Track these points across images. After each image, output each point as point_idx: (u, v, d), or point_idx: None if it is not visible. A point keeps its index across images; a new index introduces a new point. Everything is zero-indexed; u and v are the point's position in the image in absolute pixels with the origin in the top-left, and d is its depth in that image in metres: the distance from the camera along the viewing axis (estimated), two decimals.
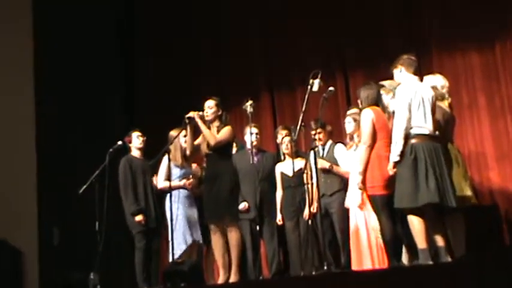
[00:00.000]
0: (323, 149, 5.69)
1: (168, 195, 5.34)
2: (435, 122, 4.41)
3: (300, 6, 7.21)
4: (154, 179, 5.72)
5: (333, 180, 5.53)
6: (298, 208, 5.55)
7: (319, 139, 5.58)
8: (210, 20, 7.97)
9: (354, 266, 4.95)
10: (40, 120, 7.23)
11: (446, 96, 4.87)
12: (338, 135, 6.10)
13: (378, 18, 6.72)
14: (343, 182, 5.47)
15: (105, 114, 7.90)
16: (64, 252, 6.98)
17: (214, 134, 5.22)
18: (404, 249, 4.60)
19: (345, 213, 5.28)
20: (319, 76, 4.84)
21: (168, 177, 5.42)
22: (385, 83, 4.83)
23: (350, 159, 5.32)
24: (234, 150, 5.80)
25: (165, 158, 5.48)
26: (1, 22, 7.24)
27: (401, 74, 4.52)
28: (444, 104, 4.80)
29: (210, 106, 5.32)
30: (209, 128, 5.31)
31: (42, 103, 7.26)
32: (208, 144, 5.23)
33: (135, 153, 5.85)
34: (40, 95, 7.28)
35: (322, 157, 5.58)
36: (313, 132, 5.47)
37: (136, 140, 5.84)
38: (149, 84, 8.34)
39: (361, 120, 4.63)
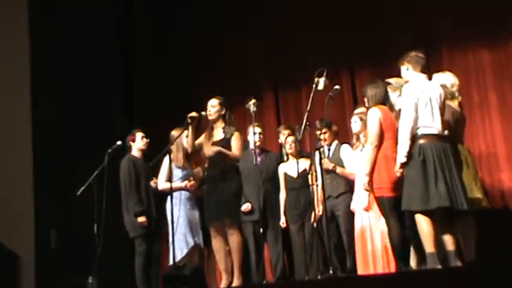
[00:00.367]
0: (328, 150, 5.69)
1: (169, 197, 5.32)
2: (444, 122, 4.40)
3: (305, 4, 7.21)
4: (152, 181, 5.72)
5: (339, 181, 5.53)
6: (303, 211, 5.55)
7: (325, 139, 5.57)
8: (211, 18, 7.97)
9: (360, 270, 4.95)
10: (37, 120, 7.24)
11: (456, 95, 4.86)
12: (344, 136, 6.09)
13: (385, 14, 6.71)
14: (350, 184, 5.47)
15: (105, 114, 7.92)
16: (62, 256, 6.98)
17: (234, 151, 5.20)
18: (412, 253, 4.59)
19: (351, 215, 5.28)
20: (324, 74, 4.83)
21: (169, 179, 5.42)
22: (392, 80, 4.82)
23: (356, 160, 5.32)
24: None
25: (166, 159, 5.49)
26: None
27: (408, 72, 4.52)
28: (454, 103, 4.78)
29: (213, 105, 5.32)
30: (212, 128, 5.31)
31: (39, 103, 7.27)
32: (210, 146, 5.23)
33: (136, 153, 5.85)
34: (37, 95, 7.29)
35: (327, 157, 5.59)
36: (318, 132, 5.47)
37: (140, 141, 5.84)
38: (149, 84, 8.35)
39: (367, 120, 4.62)
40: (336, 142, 5.74)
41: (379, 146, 4.51)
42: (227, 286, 5.27)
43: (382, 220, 4.67)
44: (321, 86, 4.85)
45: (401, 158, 4.30)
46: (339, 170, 5.51)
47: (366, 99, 4.75)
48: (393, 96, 4.74)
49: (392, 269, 4.63)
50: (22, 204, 7.04)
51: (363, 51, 6.82)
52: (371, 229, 4.93)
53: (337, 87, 4.94)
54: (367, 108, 4.71)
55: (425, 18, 6.46)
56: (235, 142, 5.21)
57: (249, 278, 5.58)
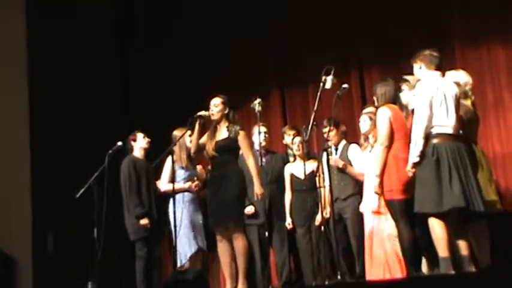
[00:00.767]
0: (336, 150, 5.69)
1: (172, 198, 5.32)
2: (459, 121, 4.38)
3: (313, 1, 7.21)
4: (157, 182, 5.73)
5: (347, 183, 5.53)
6: (310, 213, 5.55)
7: (332, 137, 5.56)
8: (213, 16, 7.97)
9: (368, 276, 4.94)
10: (35, 121, 7.26)
11: (470, 94, 4.83)
12: (352, 136, 6.09)
13: (395, 11, 6.70)
14: (358, 186, 5.47)
15: (104, 115, 7.93)
16: (60, 260, 6.99)
17: (253, 166, 5.17)
18: (423, 258, 4.58)
19: (360, 218, 5.28)
20: (332, 72, 4.83)
21: (172, 180, 5.39)
22: (409, 77, 4.79)
23: (365, 161, 5.32)
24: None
25: (169, 159, 5.49)
26: None
27: (421, 70, 4.50)
28: (467, 103, 4.76)
29: (215, 104, 5.31)
30: (216, 128, 5.30)
31: (37, 104, 7.29)
32: (214, 146, 5.23)
33: (138, 153, 5.82)
34: (35, 95, 7.31)
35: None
36: (325, 130, 5.46)
37: (141, 140, 5.82)
38: (149, 84, 8.36)
39: (377, 119, 4.60)
40: (343, 142, 5.74)
41: (389, 147, 4.50)
42: None
43: (391, 223, 4.66)
44: (328, 85, 4.85)
45: (413, 157, 4.28)
46: (348, 169, 5.51)
47: (375, 98, 4.73)
48: (409, 94, 4.70)
49: (403, 274, 4.62)
50: (19, 207, 7.04)
51: (372, 49, 6.82)
52: (381, 233, 4.93)
53: (345, 85, 4.93)
54: (377, 108, 4.70)
55: (437, 14, 6.45)
56: (243, 142, 5.20)
57: (254, 284, 5.58)
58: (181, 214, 5.37)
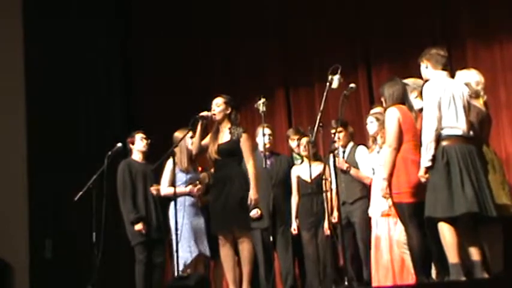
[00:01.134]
0: (343, 152, 5.69)
1: (173, 202, 5.33)
2: (469, 122, 4.38)
3: None
4: (153, 188, 5.67)
5: (354, 186, 5.53)
6: (317, 217, 5.56)
7: (339, 139, 5.56)
8: (216, 14, 7.98)
9: (375, 282, 4.94)
10: (32, 123, 7.30)
11: (482, 93, 4.83)
12: (360, 137, 6.09)
13: (404, 8, 6.68)
14: (366, 189, 5.47)
15: (103, 116, 7.97)
16: (58, 266, 7.01)
17: (251, 170, 5.18)
18: (433, 264, 4.58)
19: (368, 223, 5.28)
20: (339, 71, 4.82)
21: (173, 183, 5.38)
22: (409, 81, 4.80)
23: (373, 163, 5.32)
24: None
25: (170, 162, 5.49)
26: None
27: (428, 70, 4.50)
28: (479, 103, 4.75)
29: (218, 104, 5.31)
30: (218, 129, 5.31)
31: (34, 105, 7.33)
32: (216, 150, 5.23)
33: (137, 156, 5.85)
34: (32, 96, 7.35)
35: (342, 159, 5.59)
36: (333, 131, 5.47)
37: (139, 143, 5.83)
38: (150, 83, 8.38)
39: (385, 120, 4.60)
40: (351, 144, 5.74)
41: (397, 149, 4.48)
42: None
43: (399, 228, 4.66)
44: (335, 84, 4.84)
45: (425, 161, 4.26)
46: (353, 171, 5.52)
47: (383, 99, 4.73)
48: (411, 97, 4.73)
49: (412, 280, 4.62)
50: (15, 211, 7.06)
51: (380, 47, 6.80)
52: (389, 237, 4.92)
53: (352, 85, 4.92)
54: (385, 108, 4.70)
55: (447, 11, 6.43)
56: (244, 145, 5.20)
57: None
58: (182, 218, 5.38)
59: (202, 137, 5.34)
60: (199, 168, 5.89)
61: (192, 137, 5.51)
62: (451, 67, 4.65)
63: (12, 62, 7.36)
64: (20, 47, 7.40)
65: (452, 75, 4.63)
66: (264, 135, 5.58)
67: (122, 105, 8.38)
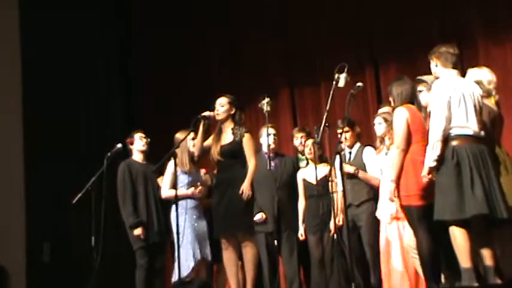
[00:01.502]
0: (350, 153, 5.69)
1: (174, 205, 5.33)
2: (480, 121, 4.37)
3: None
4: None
5: (360, 188, 5.51)
6: (323, 220, 5.55)
7: (346, 139, 5.55)
8: (218, 11, 8.00)
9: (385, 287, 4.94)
10: (28, 122, 7.32)
11: (494, 93, 4.82)
12: (367, 138, 6.08)
13: (413, 4, 6.67)
14: (373, 191, 5.47)
15: (102, 115, 7.99)
16: (55, 271, 7.04)
17: (251, 169, 5.19)
18: (443, 269, 4.58)
19: (375, 226, 5.27)
20: (345, 70, 4.83)
21: (174, 185, 5.40)
22: (427, 78, 4.78)
23: (380, 165, 5.32)
24: None
25: (171, 163, 5.50)
26: None
27: (437, 68, 4.50)
28: (490, 102, 4.73)
29: (221, 104, 5.32)
30: (221, 130, 5.32)
31: (31, 104, 7.36)
32: (219, 151, 5.24)
33: (137, 156, 5.84)
34: (29, 94, 7.38)
35: (348, 161, 5.59)
36: (339, 130, 5.47)
37: (139, 142, 5.83)
38: (151, 82, 8.41)
39: (393, 121, 4.60)
40: (358, 144, 5.74)
41: (406, 150, 4.47)
42: None
43: (409, 232, 4.66)
44: (341, 83, 4.84)
45: (430, 161, 4.25)
46: (361, 174, 5.51)
47: (391, 98, 4.73)
48: (427, 96, 4.69)
49: (422, 286, 4.62)
50: (11, 213, 7.08)
51: (388, 44, 6.80)
52: (399, 242, 4.92)
53: (359, 84, 4.91)
54: (393, 108, 4.69)
55: (458, 6, 6.43)
56: (247, 144, 5.21)
57: None
58: (184, 222, 5.38)
59: (204, 138, 5.35)
60: (202, 170, 5.90)
61: (193, 138, 5.52)
62: (462, 65, 4.63)
63: (8, 60, 7.40)
64: (17, 45, 7.43)
65: (463, 74, 4.62)
66: (268, 135, 5.57)
67: (121, 105, 8.41)
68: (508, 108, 5.66)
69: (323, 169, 5.56)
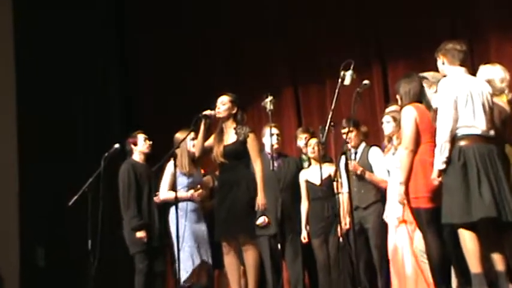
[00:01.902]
0: (355, 153, 5.69)
1: (174, 208, 5.32)
2: (489, 120, 4.36)
3: None
4: (156, 198, 5.66)
5: (367, 190, 5.53)
6: (328, 223, 5.57)
7: (350, 139, 5.54)
8: (219, 7, 8.00)
9: None
10: (23, 122, 7.35)
11: (506, 91, 4.82)
12: (374, 137, 6.09)
13: None
14: (380, 193, 5.48)
15: (100, 117, 8.02)
16: (50, 276, 7.05)
17: (259, 174, 5.19)
18: (453, 274, 4.59)
19: (383, 229, 5.28)
20: (351, 67, 4.84)
21: (173, 187, 5.38)
22: (428, 74, 4.79)
23: (388, 166, 5.33)
24: None
25: (170, 165, 5.51)
26: None
27: (444, 66, 4.50)
28: (502, 100, 4.73)
29: (223, 102, 5.32)
30: (222, 129, 5.33)
31: (25, 105, 7.38)
32: (222, 152, 5.24)
33: (138, 157, 5.83)
34: (23, 94, 7.41)
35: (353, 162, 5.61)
36: (344, 130, 5.47)
37: (142, 144, 5.82)
38: (150, 80, 8.42)
39: (401, 120, 4.60)
40: (363, 144, 5.75)
41: (414, 150, 4.47)
42: None
43: (418, 235, 4.67)
44: (347, 81, 4.84)
45: (439, 164, 4.24)
46: (368, 175, 5.52)
47: (399, 96, 4.74)
48: (429, 92, 4.72)
49: None
50: (5, 216, 7.09)
51: (396, 41, 6.81)
52: (408, 246, 4.93)
53: (366, 82, 4.92)
54: (401, 107, 4.70)
55: (468, 3, 6.43)
56: (252, 145, 5.21)
57: None
58: (184, 225, 5.38)
59: (205, 138, 5.36)
60: (203, 171, 5.91)
61: (193, 139, 5.52)
62: (472, 62, 4.63)
63: (2, 59, 7.42)
64: (10, 43, 7.46)
65: (474, 71, 4.62)
66: (271, 135, 5.56)
67: (120, 105, 8.43)
68: None
69: (327, 169, 5.57)
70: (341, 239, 5.37)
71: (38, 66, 7.48)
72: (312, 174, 5.74)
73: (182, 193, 5.50)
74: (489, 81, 4.55)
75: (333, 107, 4.79)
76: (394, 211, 5.01)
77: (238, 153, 5.20)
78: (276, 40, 7.64)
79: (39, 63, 7.48)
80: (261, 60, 7.65)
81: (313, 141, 5.75)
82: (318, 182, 5.49)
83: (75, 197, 5.69)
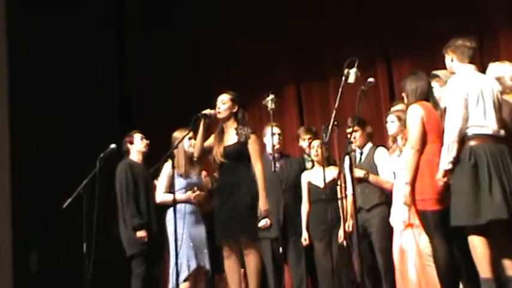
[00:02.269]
0: (360, 154, 5.70)
1: (172, 210, 5.26)
2: (500, 120, 4.36)
3: None
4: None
5: (371, 191, 5.52)
6: (331, 226, 5.57)
7: (355, 139, 5.55)
8: (218, 6, 8.02)
9: None
10: (15, 121, 7.35)
11: None
12: (379, 137, 6.09)
13: None
14: (385, 195, 5.48)
15: (98, 117, 8.03)
16: (44, 281, 7.05)
17: (260, 177, 5.19)
18: (462, 279, 4.58)
19: (387, 232, 5.28)
20: (356, 65, 4.84)
21: (171, 189, 5.37)
22: (440, 73, 4.80)
23: (393, 166, 5.33)
24: None
25: (167, 165, 5.51)
26: None
27: (453, 63, 4.50)
28: (511, 98, 4.77)
29: (223, 101, 5.32)
30: (223, 129, 5.33)
31: (18, 101, 7.39)
32: (222, 153, 5.25)
33: (135, 157, 5.84)
34: (16, 92, 7.41)
35: (359, 162, 5.60)
36: (349, 130, 5.47)
37: (139, 143, 5.84)
38: (149, 79, 8.44)
39: (407, 119, 4.61)
40: (369, 145, 5.75)
41: (421, 150, 4.47)
42: None
43: (424, 239, 4.67)
44: (351, 79, 4.83)
45: (445, 164, 4.24)
46: (372, 178, 5.53)
47: (404, 94, 4.74)
48: (440, 91, 4.72)
49: None
50: None
51: (401, 37, 6.81)
52: (414, 250, 4.93)
53: (371, 79, 4.91)
54: (407, 105, 4.71)
55: None
56: (253, 146, 5.21)
57: None
58: (182, 228, 5.38)
59: (204, 138, 5.36)
60: (202, 172, 5.91)
61: (191, 138, 5.53)
62: (482, 59, 4.63)
63: None
64: (3, 41, 7.47)
65: (483, 69, 4.63)
66: (272, 135, 5.58)
67: (119, 104, 8.45)
68: None
69: (330, 172, 5.58)
70: (344, 243, 5.37)
71: (36, 66, 7.50)
72: (316, 176, 5.75)
73: (179, 195, 5.48)
74: (498, 79, 4.56)
75: (336, 105, 4.78)
76: (400, 214, 5.01)
77: (238, 155, 5.20)
78: (277, 38, 7.66)
79: (36, 62, 7.50)
80: (262, 59, 7.66)
81: (316, 143, 5.75)
82: (321, 184, 5.49)
83: (70, 199, 5.68)
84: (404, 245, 5.01)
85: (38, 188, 7.12)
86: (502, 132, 4.35)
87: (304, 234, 5.78)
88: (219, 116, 5.30)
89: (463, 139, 4.27)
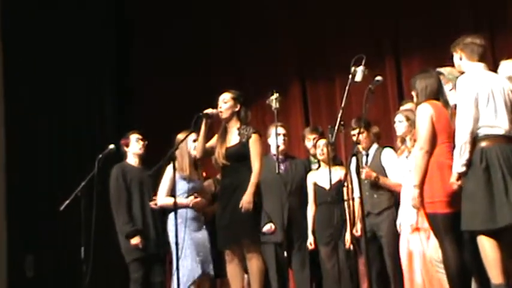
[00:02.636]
0: (367, 155, 5.69)
1: (173, 214, 5.24)
2: (511, 120, 4.35)
3: None
4: (152, 203, 5.66)
5: (380, 194, 5.53)
6: (337, 230, 5.57)
7: (361, 141, 5.55)
8: (220, 3, 8.03)
9: None
10: (11, 122, 7.36)
11: None
12: (387, 138, 6.10)
13: None
14: (394, 197, 5.48)
15: (95, 116, 8.04)
16: (40, 286, 7.06)
17: (255, 174, 5.20)
18: (473, 285, 4.59)
19: (397, 236, 5.28)
20: (363, 62, 4.85)
21: (173, 193, 5.33)
22: (444, 70, 4.80)
23: (401, 168, 5.33)
24: None
25: (169, 168, 5.48)
26: None
27: (462, 62, 4.50)
28: None
29: (224, 100, 5.32)
30: (225, 129, 5.34)
31: (14, 103, 7.41)
32: (224, 154, 5.25)
33: (132, 160, 5.84)
34: (12, 94, 7.43)
35: (365, 165, 5.60)
36: (354, 132, 5.47)
37: (135, 145, 5.83)
38: (149, 78, 8.44)
39: (416, 119, 4.60)
40: (375, 146, 5.75)
41: (430, 151, 4.47)
42: None
43: (433, 243, 4.67)
44: (358, 77, 4.83)
45: (458, 166, 4.22)
46: (381, 180, 5.52)
47: (414, 93, 4.74)
48: (445, 89, 4.73)
49: None
50: None
51: (411, 33, 6.82)
52: (423, 255, 4.93)
53: (378, 78, 4.91)
54: (416, 104, 4.70)
55: None
56: (253, 145, 5.21)
57: None
58: (184, 233, 5.36)
59: (206, 139, 5.36)
60: (204, 174, 5.91)
61: (195, 140, 5.52)
62: (494, 57, 4.62)
63: None
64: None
65: (495, 67, 4.62)
66: (277, 135, 5.55)
67: (118, 105, 8.46)
68: None
69: (337, 173, 5.58)
70: (351, 247, 5.37)
71: (35, 65, 7.51)
72: (321, 177, 5.75)
73: (181, 199, 5.48)
74: (510, 78, 4.55)
75: (343, 105, 4.77)
76: (407, 217, 5.01)
77: (240, 156, 5.20)
78: (282, 35, 7.65)
79: (36, 62, 7.51)
80: (266, 56, 7.67)
81: (322, 142, 5.75)
82: (327, 186, 5.49)
83: (67, 202, 5.70)
84: (411, 248, 5.02)
85: (35, 190, 7.12)
86: None
87: (310, 238, 5.78)
88: (221, 115, 5.30)
89: (474, 140, 4.25)
